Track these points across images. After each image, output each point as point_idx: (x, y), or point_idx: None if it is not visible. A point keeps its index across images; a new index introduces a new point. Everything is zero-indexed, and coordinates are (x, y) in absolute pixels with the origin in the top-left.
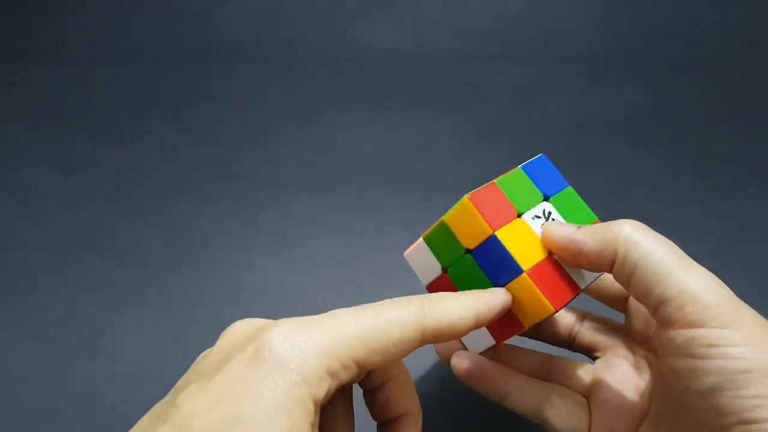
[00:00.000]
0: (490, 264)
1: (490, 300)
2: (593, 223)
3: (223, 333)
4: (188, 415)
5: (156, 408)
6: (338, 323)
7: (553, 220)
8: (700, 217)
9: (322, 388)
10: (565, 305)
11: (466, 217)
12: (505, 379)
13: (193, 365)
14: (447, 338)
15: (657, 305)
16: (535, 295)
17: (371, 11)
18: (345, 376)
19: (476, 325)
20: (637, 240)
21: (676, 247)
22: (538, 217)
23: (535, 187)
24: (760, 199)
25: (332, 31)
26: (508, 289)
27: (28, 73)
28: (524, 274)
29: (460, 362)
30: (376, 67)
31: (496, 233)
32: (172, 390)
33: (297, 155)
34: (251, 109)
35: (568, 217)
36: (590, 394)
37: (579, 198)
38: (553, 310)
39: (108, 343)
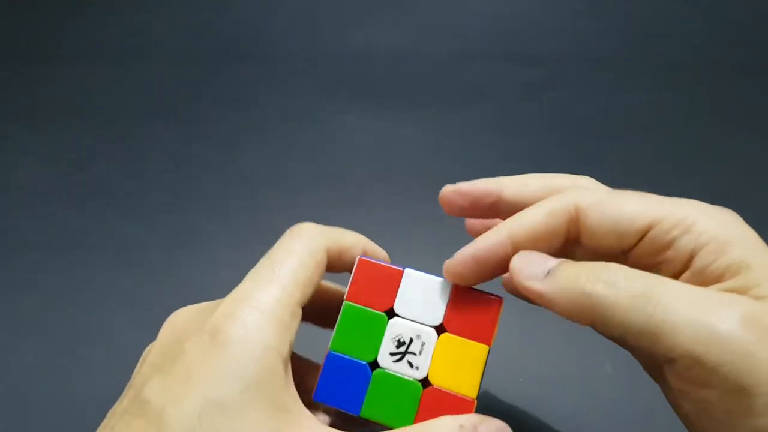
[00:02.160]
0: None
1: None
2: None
3: (163, 325)
4: (160, 406)
5: (121, 405)
6: (270, 284)
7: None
8: None
9: (285, 344)
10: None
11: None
12: None
13: (141, 361)
14: (345, 259)
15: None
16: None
17: (371, 11)
18: (297, 322)
19: (363, 251)
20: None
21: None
22: (401, 345)
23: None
24: (760, 199)
25: (332, 31)
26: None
27: (28, 73)
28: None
29: None
30: (376, 67)
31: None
32: (129, 387)
33: (297, 155)
34: (251, 108)
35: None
36: None
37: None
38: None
39: (108, 343)
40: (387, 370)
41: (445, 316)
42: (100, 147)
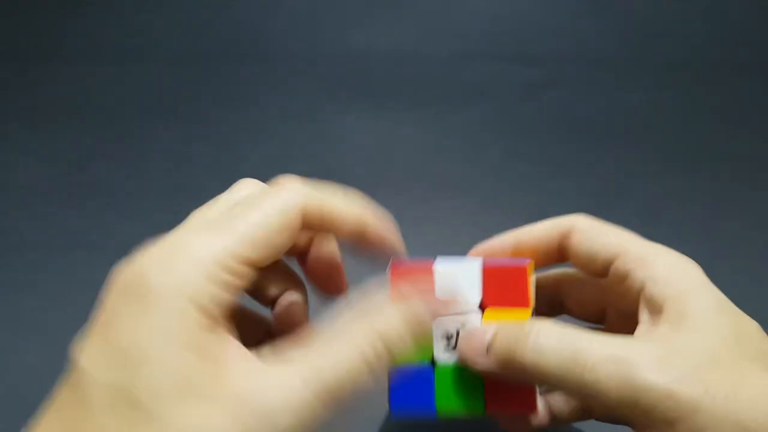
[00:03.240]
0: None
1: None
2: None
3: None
4: (81, 365)
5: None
6: (216, 234)
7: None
8: (700, 217)
9: (216, 301)
10: None
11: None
12: None
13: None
14: (329, 226)
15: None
16: None
17: (371, 11)
18: (241, 282)
19: (362, 226)
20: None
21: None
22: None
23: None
24: (760, 199)
25: (332, 31)
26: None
27: (28, 73)
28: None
29: None
30: (376, 67)
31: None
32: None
33: (297, 155)
34: (251, 108)
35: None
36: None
37: None
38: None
39: None
40: (446, 365)
41: (482, 294)
42: (100, 147)
